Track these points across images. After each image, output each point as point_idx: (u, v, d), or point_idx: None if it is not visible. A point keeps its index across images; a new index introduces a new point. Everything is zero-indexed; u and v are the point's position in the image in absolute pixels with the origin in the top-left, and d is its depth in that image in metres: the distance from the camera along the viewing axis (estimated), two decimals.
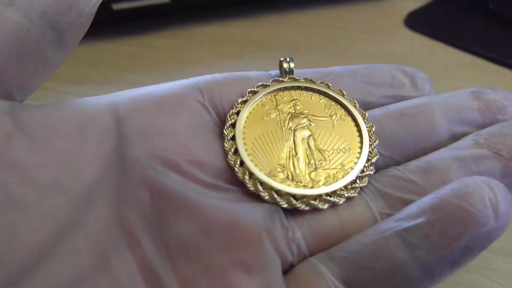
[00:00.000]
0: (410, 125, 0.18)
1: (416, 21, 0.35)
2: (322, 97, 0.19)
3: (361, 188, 0.17)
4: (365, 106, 0.19)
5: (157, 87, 0.17)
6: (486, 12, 0.35)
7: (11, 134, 0.14)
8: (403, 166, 0.17)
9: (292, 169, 0.17)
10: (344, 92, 0.19)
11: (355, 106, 0.18)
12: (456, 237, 0.13)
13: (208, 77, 0.18)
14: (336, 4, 0.37)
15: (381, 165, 0.18)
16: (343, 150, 0.17)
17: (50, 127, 0.15)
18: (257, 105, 0.18)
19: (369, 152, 0.17)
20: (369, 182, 0.17)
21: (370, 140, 0.17)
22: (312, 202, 0.16)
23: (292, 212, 0.16)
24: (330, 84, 0.19)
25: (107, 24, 0.33)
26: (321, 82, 0.19)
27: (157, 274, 0.14)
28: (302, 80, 0.19)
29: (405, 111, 0.18)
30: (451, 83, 0.29)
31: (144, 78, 0.31)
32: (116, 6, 0.32)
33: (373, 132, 0.18)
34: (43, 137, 0.14)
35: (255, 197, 0.16)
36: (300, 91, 0.19)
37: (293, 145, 0.17)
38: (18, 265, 0.13)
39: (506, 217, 0.14)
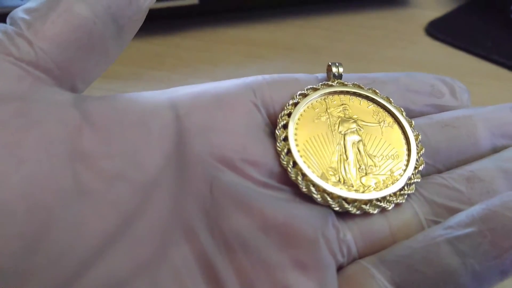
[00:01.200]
0: (454, 136, 0.18)
1: (437, 30, 0.35)
2: (370, 103, 0.19)
3: (408, 194, 0.17)
4: (407, 114, 0.19)
5: (212, 85, 0.18)
6: (507, 21, 0.35)
7: (79, 125, 0.14)
8: (447, 174, 0.17)
9: (343, 173, 0.17)
10: (391, 99, 0.19)
11: (402, 114, 0.19)
12: (508, 248, 0.14)
13: (259, 78, 0.18)
14: (358, 11, 0.38)
15: (424, 173, 0.18)
16: (392, 156, 0.18)
17: (113, 119, 0.15)
18: (308, 107, 0.18)
19: (416, 160, 0.18)
20: (415, 189, 0.17)
21: (417, 148, 0.18)
22: (363, 206, 0.16)
23: (342, 214, 0.16)
24: (377, 91, 0.19)
25: None
26: (369, 88, 0.19)
27: (214, 266, 0.15)
28: (351, 85, 0.19)
29: (448, 122, 0.19)
30: (471, 91, 0.29)
31: (171, 76, 0.31)
32: None
33: (420, 141, 0.18)
34: (107, 128, 0.15)
35: (306, 198, 0.16)
36: (349, 96, 0.19)
37: (343, 149, 0.17)
38: (86, 252, 0.13)
39: None
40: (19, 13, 0.15)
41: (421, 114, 0.20)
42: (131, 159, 0.15)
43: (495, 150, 0.18)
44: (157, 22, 0.35)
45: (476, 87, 0.30)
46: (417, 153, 0.18)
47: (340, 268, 0.16)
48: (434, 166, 0.18)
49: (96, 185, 0.14)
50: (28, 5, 0.16)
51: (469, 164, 0.18)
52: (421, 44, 0.35)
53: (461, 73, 0.31)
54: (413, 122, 0.19)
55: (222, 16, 0.36)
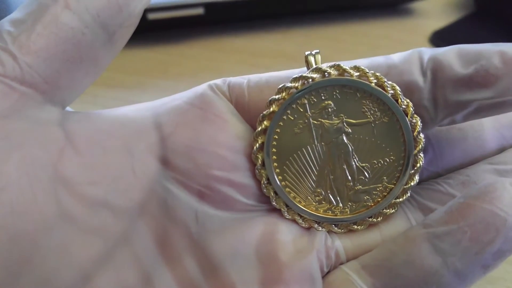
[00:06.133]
0: (459, 140, 0.17)
1: (441, 40, 0.35)
2: (360, 93, 0.16)
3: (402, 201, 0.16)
4: (431, 119, 0.16)
5: (193, 93, 0.16)
6: (511, 31, 0.35)
7: (63, 148, 0.14)
8: (443, 179, 0.17)
9: (330, 194, 0.16)
10: (384, 78, 0.15)
11: (397, 93, 0.15)
12: (488, 242, 0.13)
13: (243, 81, 0.17)
14: (363, 20, 0.38)
15: (424, 178, 0.17)
16: (385, 161, 0.16)
17: (96, 142, 0.15)
18: (285, 118, 0.16)
19: (414, 159, 0.16)
20: (409, 194, 0.16)
21: (415, 143, 0.16)
22: (352, 226, 0.16)
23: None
24: (366, 70, 0.15)
25: (143, 32, 0.34)
26: (353, 67, 0.15)
27: None
28: (331, 69, 0.15)
29: None
30: None
31: (177, 85, 0.31)
32: (152, 16, 0.33)
33: (419, 131, 0.16)
34: (91, 153, 0.15)
35: None
36: (333, 88, 0.15)
37: (328, 164, 0.16)
38: (73, 278, 0.14)
39: None
40: (5, 25, 0.15)
41: (452, 119, 0.16)
42: (114, 186, 0.15)
43: (502, 150, 0.17)
44: (163, 32, 0.35)
45: None
46: (415, 147, 0.16)
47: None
48: (435, 172, 0.17)
49: (79, 212, 0.14)
50: (14, 15, 0.15)
51: (467, 168, 0.17)
52: None
53: None
54: (411, 104, 0.15)
55: (227, 26, 0.36)
